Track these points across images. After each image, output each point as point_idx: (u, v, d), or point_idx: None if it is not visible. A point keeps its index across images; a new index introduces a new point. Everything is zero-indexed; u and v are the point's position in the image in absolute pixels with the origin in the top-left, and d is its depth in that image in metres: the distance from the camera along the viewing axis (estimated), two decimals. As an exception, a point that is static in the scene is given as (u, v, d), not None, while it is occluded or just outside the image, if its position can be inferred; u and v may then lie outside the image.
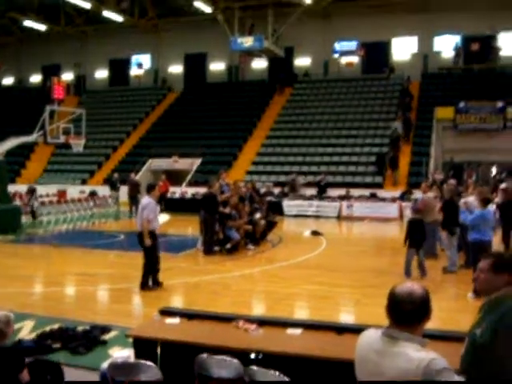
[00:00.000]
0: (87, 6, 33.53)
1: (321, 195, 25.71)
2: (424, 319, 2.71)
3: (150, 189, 10.77)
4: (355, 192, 25.65)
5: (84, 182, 32.26)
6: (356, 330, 5.25)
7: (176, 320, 5.60)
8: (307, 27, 35.62)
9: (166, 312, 5.83)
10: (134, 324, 8.07)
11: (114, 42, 40.04)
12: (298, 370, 4.75)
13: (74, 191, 29.15)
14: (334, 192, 26.08)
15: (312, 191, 26.41)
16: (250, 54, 36.24)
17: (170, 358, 5.26)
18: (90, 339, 7.45)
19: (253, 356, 5.01)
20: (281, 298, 10.09)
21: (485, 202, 10.52)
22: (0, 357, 4.48)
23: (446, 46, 35.08)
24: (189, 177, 30.32)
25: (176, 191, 27.55)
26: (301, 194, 26.14)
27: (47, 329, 7.85)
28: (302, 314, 9.51)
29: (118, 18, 35.92)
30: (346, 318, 9.27)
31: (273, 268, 12.92)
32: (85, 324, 8.05)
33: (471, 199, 11.69)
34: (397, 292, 2.75)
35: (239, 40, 33.93)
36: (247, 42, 33.96)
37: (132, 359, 5.47)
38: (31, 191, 22.55)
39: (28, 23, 37.35)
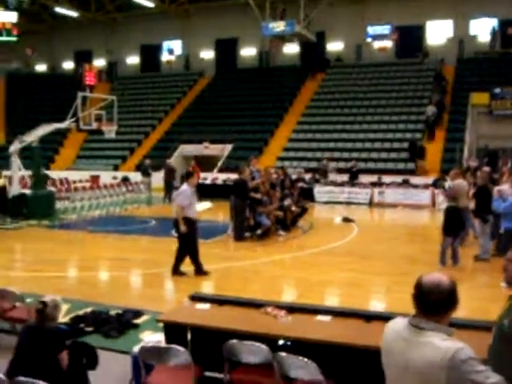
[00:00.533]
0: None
1: (352, 182, 25.53)
2: (450, 309, 2.67)
3: (188, 176, 10.78)
4: (387, 179, 25.40)
5: (116, 168, 32.58)
6: (384, 317, 5.22)
7: (206, 306, 5.63)
8: (339, 11, 35.24)
9: (197, 297, 5.86)
10: (165, 309, 8.11)
11: (145, 28, 40.13)
12: (326, 356, 4.75)
13: (106, 177, 29.44)
14: (365, 178, 25.86)
15: (343, 177, 26.23)
16: (282, 38, 35.89)
17: (200, 343, 5.30)
18: (122, 323, 7.56)
19: (281, 342, 5.02)
20: (311, 284, 10.08)
21: None
22: (44, 337, 4.63)
23: (482, 29, 34.28)
24: (220, 163, 30.38)
25: (207, 177, 27.59)
26: (332, 180, 25.98)
27: (81, 312, 7.98)
28: (332, 301, 9.48)
29: (148, 3, 35.96)
30: (377, 305, 9.21)
31: (303, 254, 12.89)
32: (117, 308, 8.17)
33: (505, 187, 11.47)
34: (424, 282, 2.71)
35: (270, 25, 33.61)
36: (279, 26, 33.62)
37: (163, 344, 5.53)
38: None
39: (59, 10, 37.63)
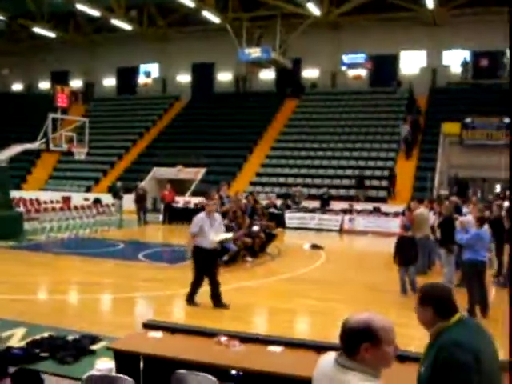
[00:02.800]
0: (97, 14, 33.74)
1: (323, 208, 25.66)
2: (363, 349, 2.61)
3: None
4: (358, 206, 25.58)
5: (89, 190, 32.40)
6: (335, 348, 5.24)
7: (159, 334, 5.60)
8: (315, 39, 35.69)
9: (150, 325, 5.82)
10: (120, 334, 8.08)
11: (123, 51, 40.26)
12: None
13: (78, 198, 29.22)
14: (337, 205, 26.02)
15: (315, 204, 26.37)
16: (258, 64, 36.31)
17: (152, 372, 5.25)
18: (78, 349, 7.44)
19: (234, 372, 5.01)
20: (275, 312, 10.08)
21: (480, 221, 10.36)
22: None
23: (455, 60, 35.07)
24: (193, 186, 30.37)
25: (179, 201, 27.51)
26: (303, 206, 26.09)
27: (37, 337, 7.85)
28: (293, 329, 9.43)
29: (126, 26, 36.11)
30: (335, 334, 9.20)
31: (269, 281, 12.89)
32: (76, 333, 8.05)
33: (469, 218, 11.61)
34: (346, 320, 2.76)
35: (247, 51, 34.03)
36: (255, 52, 34.05)
37: (114, 372, 5.47)
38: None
39: (37, 30, 37.59)
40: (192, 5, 32.09)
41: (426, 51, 35.53)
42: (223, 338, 5.35)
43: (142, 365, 5.36)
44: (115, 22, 35.04)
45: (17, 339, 7.91)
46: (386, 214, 24.32)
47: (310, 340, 6.00)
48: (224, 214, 14.71)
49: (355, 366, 2.62)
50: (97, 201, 28.40)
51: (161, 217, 25.91)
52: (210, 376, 4.56)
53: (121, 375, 4.69)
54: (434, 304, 3.14)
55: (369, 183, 28.21)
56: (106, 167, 34.30)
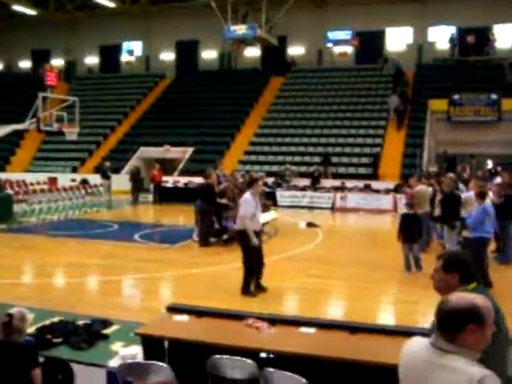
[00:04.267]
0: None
1: (314, 186, 25.60)
2: (468, 331, 2.52)
3: (251, 184, 9.81)
4: (348, 183, 25.56)
5: (75, 170, 31.96)
6: (369, 329, 5.17)
7: (184, 317, 5.46)
8: (301, 16, 35.35)
9: (174, 309, 5.67)
10: (133, 317, 7.95)
11: (105, 29, 39.56)
12: (309, 370, 4.64)
13: (64, 179, 28.80)
14: (326, 183, 25.98)
15: (305, 182, 26.28)
16: (243, 42, 35.86)
17: (179, 357, 5.12)
18: (91, 334, 7.26)
19: (263, 355, 4.89)
20: (281, 291, 10.00)
21: (481, 195, 10.29)
22: (13, 353, 4.38)
23: (441, 37, 35.01)
24: (180, 166, 30.11)
25: (168, 180, 27.27)
26: (294, 184, 26.00)
27: (47, 322, 7.68)
28: (298, 308, 9.36)
29: (109, 3, 35.41)
30: (341, 312, 9.17)
31: (270, 260, 12.67)
32: (84, 317, 7.87)
33: (470, 194, 11.60)
34: (444, 302, 2.63)
35: (232, 28, 33.54)
36: (240, 29, 33.53)
37: (139, 357, 5.34)
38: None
39: (17, 8, 36.75)
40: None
41: (412, 27, 35.40)
42: (252, 321, 5.23)
43: (167, 349, 5.25)
44: (98, -2, 34.36)
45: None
46: (377, 191, 24.35)
47: (344, 321, 5.91)
48: (221, 194, 14.57)
49: (457, 349, 2.52)
50: (84, 181, 28.08)
51: (150, 197, 25.68)
52: (248, 360, 4.44)
53: (155, 362, 4.55)
54: (460, 270, 3.34)
55: (357, 161, 28.17)
56: (91, 147, 33.80)
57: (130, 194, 25.12)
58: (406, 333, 4.63)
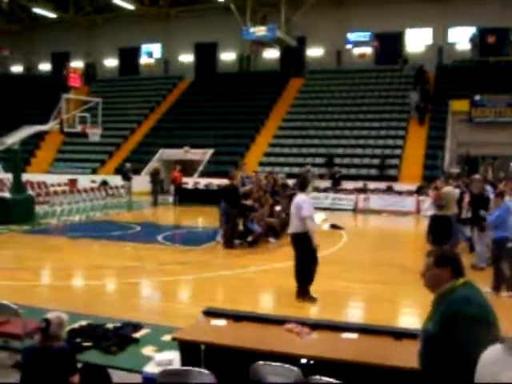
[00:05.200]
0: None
1: (335, 188, 25.41)
2: None
3: (305, 185, 9.58)
4: (370, 185, 25.34)
5: (94, 172, 32.03)
6: (415, 335, 4.99)
7: (222, 322, 5.33)
8: (320, 17, 35.18)
9: (211, 313, 5.55)
10: (163, 321, 7.85)
11: (124, 31, 39.65)
12: (352, 377, 4.51)
13: (84, 181, 28.88)
14: (347, 185, 25.78)
15: (326, 183, 26.09)
16: (262, 43, 35.79)
17: (215, 362, 4.99)
18: (121, 337, 7.17)
19: (304, 361, 4.76)
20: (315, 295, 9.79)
21: (501, 195, 10.30)
22: (52, 359, 4.29)
23: (461, 37, 34.67)
24: (201, 167, 30.06)
25: (188, 182, 27.23)
26: (315, 186, 25.79)
27: (76, 326, 7.58)
28: (329, 312, 9.14)
29: (128, 5, 35.47)
30: (375, 316, 8.98)
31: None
32: (115, 321, 7.78)
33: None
34: None
35: (251, 29, 33.48)
36: (260, 31, 33.48)
37: (176, 362, 5.23)
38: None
39: (37, 10, 36.95)
40: (196, -17, 31.52)
41: (432, 28, 35.07)
42: (292, 325, 5.09)
43: (203, 354, 5.12)
44: (117, 1, 34.37)
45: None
46: (400, 193, 24.11)
47: (386, 326, 5.75)
48: (245, 195, 14.47)
49: None
50: (104, 183, 28.12)
51: (171, 198, 25.64)
52: (292, 367, 4.31)
53: (197, 368, 4.43)
54: (453, 264, 3.52)
55: (378, 162, 27.93)
56: (111, 149, 33.88)
57: (151, 195, 25.12)
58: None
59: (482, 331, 3.23)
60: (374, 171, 27.28)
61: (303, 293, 9.30)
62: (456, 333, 3.25)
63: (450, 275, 3.49)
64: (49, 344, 4.39)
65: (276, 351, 4.71)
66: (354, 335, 4.98)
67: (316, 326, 5.15)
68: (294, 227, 9.30)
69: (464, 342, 3.22)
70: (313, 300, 9.26)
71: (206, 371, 4.36)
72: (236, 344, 4.88)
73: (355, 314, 9.27)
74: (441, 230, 11.06)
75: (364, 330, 5.10)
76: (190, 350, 5.08)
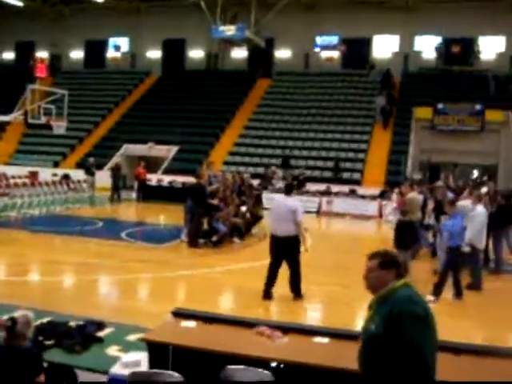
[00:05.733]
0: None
1: (299, 190, 25.44)
2: None
3: (291, 189, 9.73)
4: (334, 188, 25.50)
5: (56, 165, 31.46)
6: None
7: (192, 323, 5.28)
8: (290, 19, 35.25)
9: (181, 314, 5.48)
10: (127, 320, 7.74)
11: (92, 23, 38.92)
12: (323, 381, 4.51)
13: (45, 174, 28.30)
14: (311, 187, 25.87)
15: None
16: (231, 42, 35.73)
17: (185, 364, 4.93)
18: (85, 336, 7.03)
19: (273, 365, 4.73)
20: (278, 297, 9.74)
21: (452, 203, 10.42)
22: (17, 358, 4.17)
23: (427, 46, 35.18)
24: (165, 164, 29.83)
25: (152, 178, 26.96)
26: (279, 187, 25.82)
27: (37, 323, 7.38)
28: (289, 315, 9.06)
29: (98, -2, 34.97)
30: (335, 320, 9.02)
31: (260, 264, 12.55)
32: (77, 319, 7.61)
33: (467, 202, 11.59)
34: None
35: (221, 28, 33.40)
36: (229, 30, 33.42)
37: (143, 364, 5.15)
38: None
39: (3, -2, 36.15)
40: (167, -22, 31.26)
41: (399, 36, 35.52)
42: (264, 328, 5.07)
43: (171, 357, 5.05)
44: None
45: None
46: (363, 197, 24.33)
47: (357, 331, 5.75)
48: (211, 194, 14.39)
49: None
50: (66, 177, 27.60)
51: (134, 194, 25.36)
52: (265, 371, 4.28)
53: (169, 371, 4.36)
54: (397, 266, 3.61)
55: (342, 165, 28.15)
56: (74, 142, 33.27)
57: (111, 191, 24.69)
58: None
59: (425, 330, 3.37)
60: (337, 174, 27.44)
61: (298, 292, 9.49)
62: (401, 331, 3.32)
63: (393, 277, 3.57)
64: (15, 343, 4.27)
65: (247, 354, 4.68)
66: (326, 339, 4.98)
67: (287, 329, 5.14)
68: (286, 230, 9.22)
69: (409, 341, 3.31)
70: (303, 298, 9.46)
71: (176, 374, 4.30)
72: (206, 346, 4.83)
73: (315, 316, 9.31)
74: (405, 235, 11.16)
75: (335, 334, 5.11)
76: (158, 352, 5.01)
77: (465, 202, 11.75)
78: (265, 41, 36.06)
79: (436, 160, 28.96)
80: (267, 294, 9.43)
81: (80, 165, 29.24)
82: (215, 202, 14.18)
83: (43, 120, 19.23)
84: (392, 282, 3.55)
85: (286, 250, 9.31)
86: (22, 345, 4.31)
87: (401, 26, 34.85)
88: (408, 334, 3.31)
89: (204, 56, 39.34)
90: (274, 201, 9.90)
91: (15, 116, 18.90)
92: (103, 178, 25.82)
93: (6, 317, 7.48)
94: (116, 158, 29.68)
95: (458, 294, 9.90)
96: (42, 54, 40.29)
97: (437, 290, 9.73)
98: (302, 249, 9.47)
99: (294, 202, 9.58)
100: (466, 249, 10.20)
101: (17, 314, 4.44)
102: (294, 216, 9.16)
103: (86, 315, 7.79)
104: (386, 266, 3.60)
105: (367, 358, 3.57)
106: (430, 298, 9.46)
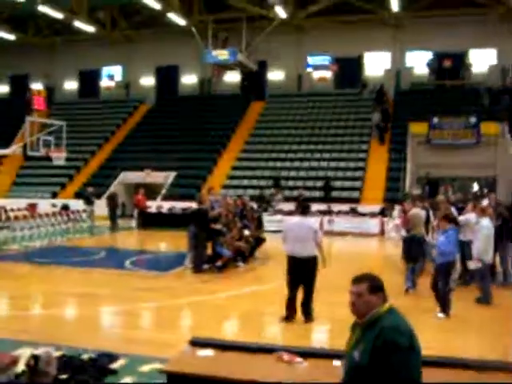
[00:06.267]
0: (59, 16, 32.69)
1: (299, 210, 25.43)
2: None
3: (308, 209, 9.83)
4: (334, 207, 25.51)
5: (54, 196, 31.43)
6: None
7: (209, 352, 5.22)
8: (281, 41, 35.61)
9: (197, 343, 5.43)
10: (139, 351, 7.65)
11: (85, 53, 39.24)
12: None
13: (44, 205, 28.23)
14: (312, 207, 25.79)
15: (290, 206, 26.10)
16: (224, 67, 36.00)
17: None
18: (98, 369, 6.95)
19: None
20: (277, 320, 9.63)
21: (446, 219, 10.00)
22: None
23: (418, 62, 35.48)
24: (163, 191, 29.84)
25: (151, 205, 26.93)
26: (279, 209, 25.85)
27: (49, 357, 7.32)
28: (303, 339, 8.94)
29: (89, 28, 35.18)
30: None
31: (266, 288, 12.55)
32: (90, 351, 7.52)
33: (470, 216, 11.61)
34: None
35: (213, 53, 33.71)
36: (221, 54, 33.77)
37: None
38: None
39: (-5, 32, 36.40)
40: (158, 7, 31.53)
41: (390, 53, 35.83)
42: (284, 355, 5.02)
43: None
44: (78, 24, 34.07)
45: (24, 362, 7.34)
46: (363, 215, 24.34)
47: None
48: (214, 219, 14.37)
49: None
50: (65, 207, 27.57)
51: (133, 222, 25.33)
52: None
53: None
54: (383, 290, 3.61)
55: (341, 184, 28.20)
56: (71, 172, 33.30)
57: (109, 220, 24.69)
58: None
59: (412, 358, 3.38)
60: (336, 193, 27.43)
61: (310, 314, 9.45)
62: (387, 363, 3.32)
63: (381, 301, 3.56)
64: (37, 381, 4.23)
65: (267, 382, 4.63)
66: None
67: (306, 353, 5.09)
68: (309, 251, 9.20)
69: (395, 371, 3.31)
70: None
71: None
72: (226, 375, 4.78)
73: (329, 338, 9.23)
74: (413, 249, 11.25)
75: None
76: (177, 382, 4.95)
77: (469, 216, 11.76)
78: (257, 64, 36.36)
79: (434, 175, 29.05)
80: (290, 317, 9.38)
81: (78, 194, 29.24)
82: (218, 226, 14.15)
83: (42, 152, 19.28)
84: (378, 307, 3.52)
85: (306, 270, 9.28)
86: (44, 383, 4.27)
87: (391, 43, 35.23)
88: (394, 365, 3.31)
89: (197, 81, 39.56)
90: (290, 222, 9.86)
91: (14, 149, 18.95)
92: (102, 206, 25.77)
93: (19, 352, 7.47)
94: (114, 187, 29.68)
95: (444, 310, 9.60)
96: (36, 86, 40.51)
97: (444, 307, 9.65)
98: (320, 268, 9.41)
99: (314, 222, 9.79)
100: (476, 265, 10.15)
101: (38, 351, 4.41)
102: (315, 236, 9.21)
103: (97, 347, 7.71)
104: (374, 291, 3.56)
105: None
106: (440, 315, 9.44)
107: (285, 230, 9.62)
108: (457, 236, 10.01)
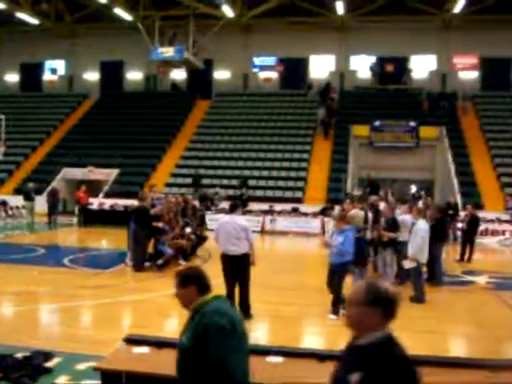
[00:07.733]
0: (2, 6, 31.82)
1: (242, 209, 25.59)
2: None
3: (236, 208, 9.76)
4: (276, 207, 25.78)
5: (-8, 191, 30.64)
6: (338, 357, 5.14)
7: (145, 349, 5.28)
8: (228, 41, 35.75)
9: (132, 340, 5.48)
10: (75, 349, 7.58)
11: (27, 46, 38.35)
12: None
13: (-19, 200, 27.53)
14: (254, 206, 26.09)
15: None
16: (170, 64, 35.80)
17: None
18: (33, 367, 6.88)
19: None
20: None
21: (343, 219, 10.25)
22: None
23: (362, 65, 36.19)
24: (106, 188, 29.48)
25: (93, 202, 26.57)
26: (222, 207, 25.92)
27: (-19, 356, 7.20)
28: (274, 337, 9.02)
29: (33, 20, 34.41)
30: (282, 337, 9.13)
31: (212, 285, 12.57)
32: (23, 349, 7.42)
33: (407, 217, 11.96)
34: None
35: (159, 50, 33.50)
36: (167, 52, 33.60)
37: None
38: None
39: None
40: (103, 0, 31.14)
41: (334, 56, 36.42)
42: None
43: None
44: (21, 15, 33.28)
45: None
46: (305, 215, 24.69)
47: (312, 349, 5.88)
48: (156, 217, 14.32)
49: None
50: (3, 203, 26.94)
51: (74, 219, 24.95)
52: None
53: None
54: (197, 282, 3.74)
55: (284, 184, 28.53)
56: (11, 167, 32.50)
57: (47, 217, 24.27)
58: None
59: (232, 341, 3.50)
60: (279, 193, 27.75)
61: (248, 310, 9.46)
62: (208, 344, 3.46)
63: (195, 293, 3.70)
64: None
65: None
66: (279, 358, 5.07)
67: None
68: (241, 248, 9.30)
69: (216, 353, 3.44)
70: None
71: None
72: (159, 372, 4.84)
73: (266, 334, 9.36)
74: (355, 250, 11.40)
75: (289, 353, 5.20)
76: (111, 380, 4.99)
77: (405, 217, 12.11)
78: (203, 62, 36.31)
79: (375, 176, 29.69)
80: None
81: (18, 190, 28.56)
82: (160, 224, 14.11)
83: (-21, 146, 18.77)
84: (200, 297, 3.69)
85: (239, 268, 9.38)
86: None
87: (336, 46, 35.86)
88: (215, 347, 3.44)
89: (143, 78, 39.22)
90: (222, 221, 9.88)
91: (-50, 142, 18.36)
92: (42, 203, 25.29)
93: None
94: (55, 183, 29.16)
95: (336, 312, 9.62)
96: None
97: (335, 309, 9.63)
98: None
99: (243, 220, 9.80)
100: (411, 264, 10.48)
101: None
102: (246, 234, 9.34)
103: (32, 346, 7.61)
104: (185, 284, 3.71)
105: (180, 368, 3.68)
106: (332, 317, 9.53)
107: (216, 229, 9.72)
108: (354, 236, 10.18)
